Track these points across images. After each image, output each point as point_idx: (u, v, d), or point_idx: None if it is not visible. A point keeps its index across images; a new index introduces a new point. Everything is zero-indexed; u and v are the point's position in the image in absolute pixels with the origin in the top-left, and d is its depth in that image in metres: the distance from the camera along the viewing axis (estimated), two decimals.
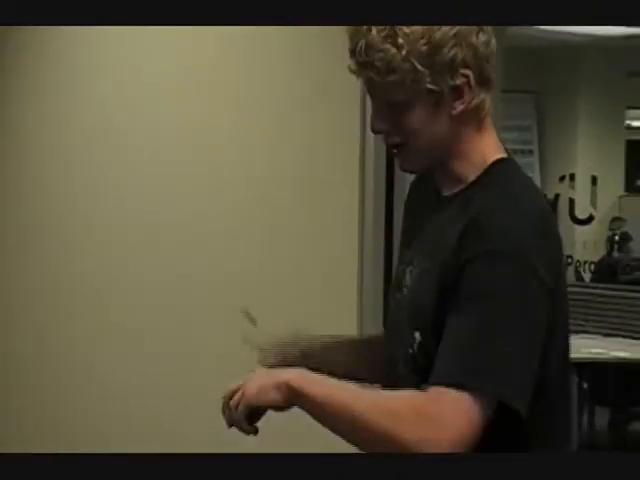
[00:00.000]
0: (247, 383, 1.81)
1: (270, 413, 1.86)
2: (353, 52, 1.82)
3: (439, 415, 1.69)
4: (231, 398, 1.83)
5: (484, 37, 1.83)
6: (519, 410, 1.72)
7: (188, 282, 4.48)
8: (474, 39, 1.80)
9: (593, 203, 11.29)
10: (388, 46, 1.77)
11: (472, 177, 1.88)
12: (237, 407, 1.80)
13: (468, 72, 1.81)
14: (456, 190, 1.90)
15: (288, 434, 3.11)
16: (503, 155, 1.92)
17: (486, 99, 1.87)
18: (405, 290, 1.93)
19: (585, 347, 7.12)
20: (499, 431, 1.74)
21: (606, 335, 7.71)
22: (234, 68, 4.39)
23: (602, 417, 7.87)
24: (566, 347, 1.91)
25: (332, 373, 1.87)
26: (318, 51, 3.93)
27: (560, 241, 1.88)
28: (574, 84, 11.29)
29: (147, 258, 4.68)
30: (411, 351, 1.85)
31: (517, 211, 1.80)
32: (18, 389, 5.40)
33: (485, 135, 1.90)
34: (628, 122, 13.43)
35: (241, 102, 4.31)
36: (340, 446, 1.83)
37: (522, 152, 11.41)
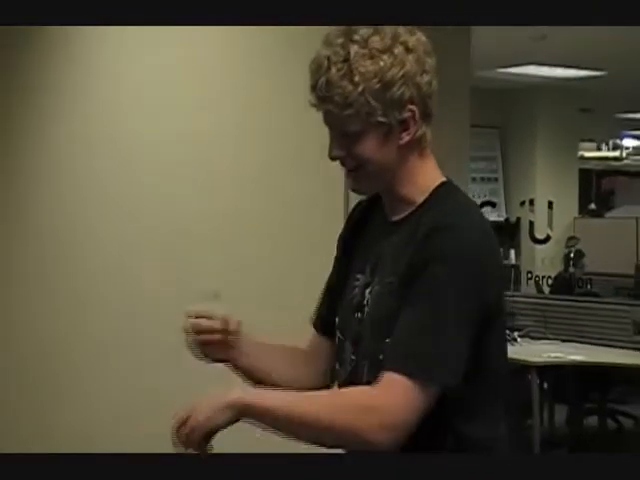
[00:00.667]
0: (195, 410, 1.74)
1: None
2: (314, 87, 1.85)
3: (382, 402, 1.72)
4: (180, 426, 1.76)
5: (427, 77, 1.86)
6: (449, 387, 1.75)
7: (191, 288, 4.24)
8: (419, 79, 1.84)
9: (550, 225, 11.32)
10: (346, 83, 1.81)
11: (419, 200, 1.91)
12: (192, 434, 1.74)
13: (414, 107, 1.85)
14: (405, 214, 1.92)
15: None
16: (444, 179, 1.94)
17: (427, 131, 1.90)
18: (366, 309, 1.93)
19: (545, 351, 7.14)
20: (439, 407, 1.77)
21: (564, 341, 7.71)
22: (237, 71, 4.16)
23: (561, 413, 7.87)
24: (504, 340, 1.96)
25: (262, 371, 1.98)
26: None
27: (497, 247, 1.92)
28: (533, 120, 11.33)
29: (147, 261, 4.53)
30: (381, 357, 1.84)
31: (463, 222, 1.83)
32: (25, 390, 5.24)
33: (427, 162, 1.93)
34: (581, 153, 13.50)
35: (245, 111, 4.11)
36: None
37: (489, 179, 11.45)
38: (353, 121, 1.84)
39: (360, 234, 2.04)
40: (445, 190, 1.92)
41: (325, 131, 1.90)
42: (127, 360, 4.61)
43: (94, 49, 4.83)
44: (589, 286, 9.96)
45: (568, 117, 11.42)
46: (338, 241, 2.12)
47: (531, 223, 11.28)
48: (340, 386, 1.97)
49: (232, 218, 4.12)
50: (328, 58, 1.82)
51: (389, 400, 1.73)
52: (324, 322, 2.10)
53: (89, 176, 4.86)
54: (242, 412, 1.74)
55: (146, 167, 4.49)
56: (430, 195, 1.91)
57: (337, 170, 1.96)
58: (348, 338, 1.98)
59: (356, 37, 1.82)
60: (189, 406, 1.77)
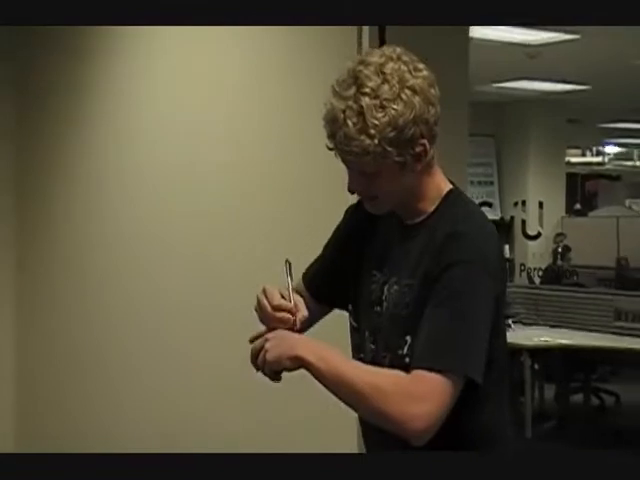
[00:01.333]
0: (268, 348, 1.80)
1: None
2: (332, 137, 1.82)
3: (420, 394, 1.70)
4: (257, 349, 1.83)
5: (433, 110, 1.82)
6: (478, 382, 1.75)
7: (210, 286, 4.06)
8: (427, 115, 1.80)
9: (540, 223, 11.30)
10: (363, 137, 1.77)
11: (431, 208, 1.89)
12: (264, 367, 1.81)
13: (424, 141, 1.82)
14: (420, 219, 1.90)
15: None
16: (450, 186, 1.93)
17: (434, 151, 1.87)
18: (385, 304, 1.91)
19: (536, 336, 7.14)
20: (461, 397, 1.76)
21: (552, 326, 7.71)
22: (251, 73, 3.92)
23: (550, 391, 7.86)
24: (505, 330, 1.97)
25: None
26: (322, 58, 3.54)
27: (501, 246, 1.94)
28: (525, 129, 11.29)
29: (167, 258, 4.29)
30: (400, 352, 1.83)
31: (473, 229, 1.83)
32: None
33: (435, 175, 1.91)
34: (568, 159, 13.46)
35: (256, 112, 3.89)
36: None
37: (485, 183, 11.41)
38: (370, 164, 1.81)
39: (373, 230, 2.00)
40: (453, 197, 1.91)
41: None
42: (157, 368, 4.36)
43: (126, 47, 4.58)
44: (575, 277, 9.93)
45: (556, 127, 11.39)
46: (349, 216, 2.07)
47: (523, 221, 11.25)
48: None
49: (258, 219, 3.91)
50: (343, 112, 1.78)
51: (426, 395, 1.71)
52: (317, 288, 2.07)
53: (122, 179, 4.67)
54: (302, 366, 1.77)
55: (177, 169, 4.28)
56: (440, 203, 1.89)
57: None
58: (367, 328, 1.96)
59: (366, 89, 1.77)
60: (264, 335, 1.83)
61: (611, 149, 17.19)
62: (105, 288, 4.74)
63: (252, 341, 1.87)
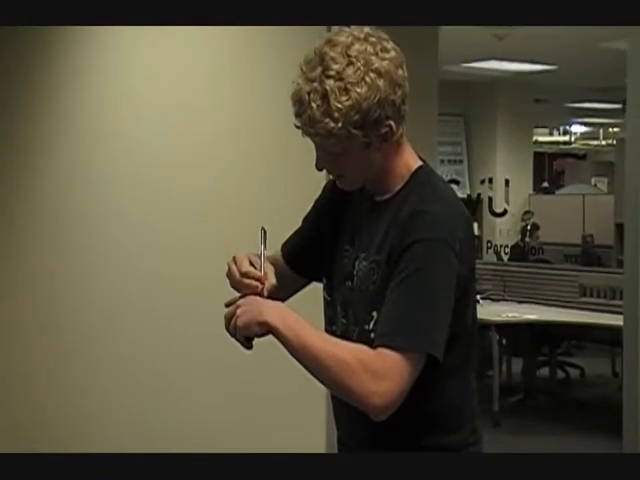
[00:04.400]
0: (239, 313, 1.79)
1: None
2: (299, 117, 1.80)
3: (381, 371, 1.71)
4: (230, 314, 1.82)
5: (400, 91, 1.80)
6: (439, 358, 1.75)
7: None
8: (393, 97, 1.78)
9: (507, 200, 11.35)
10: (327, 120, 1.76)
11: (400, 184, 1.88)
12: (236, 332, 1.80)
13: (390, 122, 1.80)
14: (388, 196, 1.89)
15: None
16: (420, 163, 1.91)
17: (403, 129, 1.85)
18: (356, 279, 1.90)
19: (503, 311, 7.18)
20: (425, 372, 1.76)
21: (520, 302, 7.76)
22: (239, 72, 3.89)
23: (517, 365, 7.92)
24: (475, 306, 1.96)
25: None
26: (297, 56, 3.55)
27: (470, 224, 1.90)
28: (493, 109, 11.32)
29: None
30: (367, 327, 1.83)
31: (439, 206, 1.81)
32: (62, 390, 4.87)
33: (404, 152, 1.89)
34: (535, 138, 13.53)
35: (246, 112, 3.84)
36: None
37: (454, 162, 11.45)
38: (336, 145, 1.80)
39: (348, 205, 1.99)
40: (422, 174, 1.88)
41: None
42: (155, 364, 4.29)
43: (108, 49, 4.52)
44: (541, 254, 10.00)
45: (524, 106, 11.43)
46: (327, 191, 2.06)
47: (490, 199, 11.30)
48: None
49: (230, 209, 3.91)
50: (309, 94, 1.76)
51: (387, 372, 1.71)
52: (295, 259, 2.07)
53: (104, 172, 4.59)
54: (270, 332, 1.76)
55: (156, 165, 4.23)
56: (409, 180, 1.87)
57: None
58: (338, 302, 1.96)
59: (331, 72, 1.75)
60: (237, 301, 1.82)
61: (577, 128, 17.29)
62: (90, 282, 4.67)
63: (227, 306, 1.86)
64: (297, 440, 3.42)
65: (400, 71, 1.81)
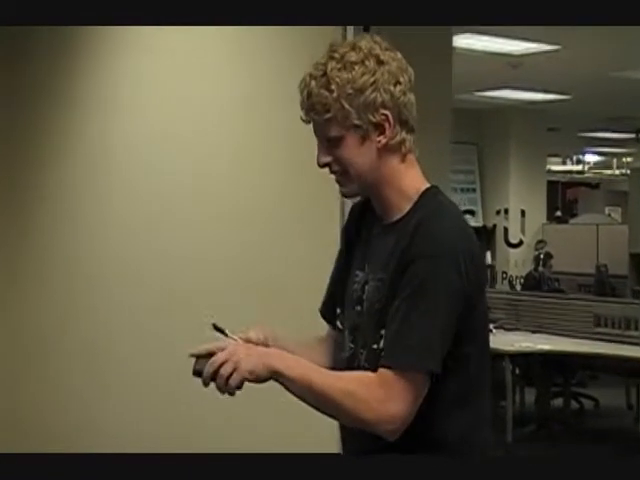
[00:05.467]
0: (239, 358, 1.74)
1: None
2: (302, 102, 1.87)
3: (388, 395, 1.73)
4: (205, 356, 1.75)
5: (400, 87, 1.85)
6: (437, 372, 1.75)
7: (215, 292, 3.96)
8: (391, 88, 1.83)
9: (523, 231, 11.32)
10: (323, 91, 1.82)
11: (408, 207, 1.88)
12: (229, 377, 1.73)
13: (387, 112, 1.83)
14: (396, 218, 1.89)
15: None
16: (428, 185, 1.91)
17: (407, 139, 1.87)
18: (365, 303, 1.91)
19: (517, 341, 7.15)
20: (431, 399, 1.77)
21: (533, 332, 7.72)
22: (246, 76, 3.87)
23: (530, 395, 7.87)
24: (487, 330, 1.94)
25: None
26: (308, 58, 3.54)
27: (476, 246, 1.87)
28: (506, 138, 11.32)
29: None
30: (375, 346, 1.83)
31: (443, 224, 1.82)
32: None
33: (410, 169, 1.90)
34: (549, 167, 13.51)
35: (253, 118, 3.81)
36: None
37: (467, 190, 11.43)
38: (332, 125, 1.84)
39: (360, 232, 2.00)
40: (430, 196, 1.89)
41: None
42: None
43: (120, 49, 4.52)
44: (556, 284, 9.96)
45: (537, 135, 11.43)
46: (341, 234, 2.09)
47: (505, 230, 11.27)
48: (341, 370, 1.93)
49: (230, 215, 3.89)
50: (310, 74, 1.85)
51: (393, 396, 1.73)
52: (329, 312, 2.07)
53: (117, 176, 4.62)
54: (274, 376, 1.75)
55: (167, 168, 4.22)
56: (417, 201, 1.87)
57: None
58: (347, 327, 1.96)
59: (335, 55, 1.84)
60: (224, 348, 1.76)
61: (591, 157, 17.27)
62: (94, 285, 4.69)
63: (196, 356, 1.78)
64: (309, 441, 3.38)
65: (403, 74, 1.86)
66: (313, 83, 1.84)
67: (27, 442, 4.85)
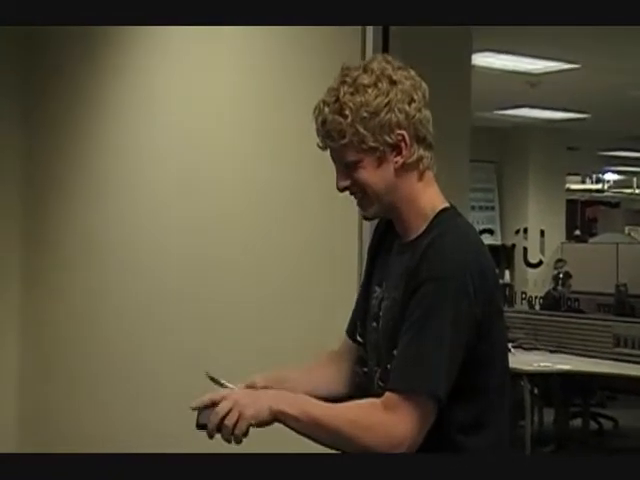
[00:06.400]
0: (240, 405, 1.75)
1: None
2: (318, 130, 1.87)
3: (394, 421, 1.72)
4: (208, 406, 1.77)
5: (415, 105, 1.84)
6: (442, 399, 1.73)
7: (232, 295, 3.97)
8: (406, 107, 1.83)
9: (542, 251, 11.27)
10: (337, 117, 1.82)
11: (424, 226, 1.87)
12: (236, 425, 1.74)
13: (402, 132, 1.83)
14: (413, 237, 1.88)
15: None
16: (446, 205, 1.91)
17: (425, 156, 1.87)
18: (381, 320, 1.91)
19: (535, 361, 7.10)
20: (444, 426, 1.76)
21: (552, 351, 7.67)
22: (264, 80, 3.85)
23: (549, 415, 7.82)
24: (506, 355, 1.91)
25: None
26: (327, 58, 3.46)
27: (489, 267, 1.85)
28: (525, 156, 11.30)
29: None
30: (389, 366, 1.82)
31: (454, 245, 1.80)
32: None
33: (428, 188, 1.89)
34: (568, 185, 13.47)
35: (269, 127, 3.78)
36: None
37: (486, 208, 11.42)
38: (349, 150, 1.84)
39: (381, 249, 2.01)
40: (446, 216, 1.88)
41: None
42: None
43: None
44: (575, 303, 9.90)
45: (556, 154, 11.40)
46: (367, 253, 2.09)
47: (525, 249, 11.23)
48: (361, 388, 1.97)
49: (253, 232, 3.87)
50: (323, 101, 1.85)
51: (399, 421, 1.72)
52: (352, 330, 2.07)
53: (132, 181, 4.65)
54: (277, 417, 1.76)
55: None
56: (432, 221, 1.87)
57: None
58: (369, 345, 1.96)
59: (347, 79, 1.84)
60: (225, 397, 1.77)
61: (610, 176, 17.21)
62: (113, 288, 4.72)
63: (199, 409, 1.79)
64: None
65: (417, 92, 1.86)
66: (327, 110, 1.84)
67: (63, 444, 4.86)
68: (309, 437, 1.76)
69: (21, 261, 5.38)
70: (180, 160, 4.26)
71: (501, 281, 10.51)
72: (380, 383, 1.85)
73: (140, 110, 4.55)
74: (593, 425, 8.05)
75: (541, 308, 9.98)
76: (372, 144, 1.82)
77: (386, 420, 1.72)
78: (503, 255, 10.89)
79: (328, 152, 1.90)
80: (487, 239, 10.55)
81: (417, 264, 1.79)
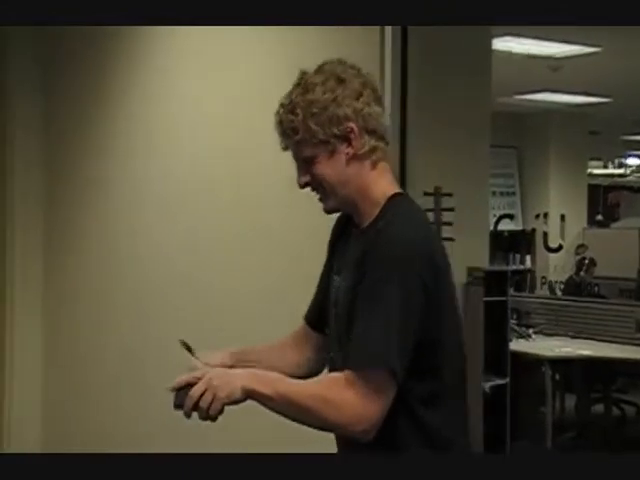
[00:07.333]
0: (214, 386, 1.84)
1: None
2: (277, 131, 2.01)
3: (357, 397, 1.81)
4: (182, 389, 1.86)
5: (362, 99, 1.95)
6: (397, 372, 1.81)
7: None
8: (354, 102, 1.95)
9: (562, 236, 11.24)
10: (290, 116, 1.96)
11: (376, 212, 1.97)
12: (211, 405, 1.83)
13: (351, 124, 1.94)
14: (366, 224, 1.99)
15: None
16: (396, 191, 2.01)
17: (377, 147, 1.98)
18: (339, 307, 2.01)
19: (557, 347, 7.10)
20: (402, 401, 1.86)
21: (573, 337, 7.66)
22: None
23: (570, 401, 7.81)
24: (457, 335, 1.99)
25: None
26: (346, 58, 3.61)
27: (433, 249, 1.93)
28: (547, 141, 11.27)
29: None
30: (347, 350, 1.91)
31: (405, 227, 1.90)
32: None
33: (381, 177, 2.00)
34: (590, 170, 13.41)
35: None
36: None
37: (507, 194, 11.40)
38: (304, 146, 1.96)
39: (341, 240, 2.12)
40: (396, 201, 1.98)
41: None
42: None
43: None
44: (596, 289, 9.87)
45: (578, 138, 11.35)
46: (327, 246, 2.20)
47: (545, 234, 11.19)
48: (330, 371, 2.08)
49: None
50: (280, 104, 2.00)
51: (359, 398, 1.81)
52: (312, 318, 2.21)
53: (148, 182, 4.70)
54: (250, 395, 1.85)
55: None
56: (384, 206, 1.97)
57: None
58: (332, 332, 2.08)
59: (300, 81, 1.99)
60: (199, 378, 1.86)
61: (633, 161, 17.11)
62: (138, 290, 4.75)
63: (176, 389, 1.88)
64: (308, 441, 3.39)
65: (366, 89, 1.98)
66: (282, 111, 1.98)
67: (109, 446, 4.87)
68: (281, 414, 1.85)
69: (44, 243, 5.47)
70: (195, 155, 4.30)
71: (522, 266, 10.49)
72: (342, 367, 1.92)
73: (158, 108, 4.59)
74: (615, 411, 8.04)
75: (563, 293, 9.96)
76: (323, 137, 1.94)
77: (352, 397, 1.80)
78: (523, 240, 10.86)
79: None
80: (507, 224, 10.52)
81: (368, 249, 1.89)
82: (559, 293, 10.21)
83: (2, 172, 5.41)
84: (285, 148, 2.01)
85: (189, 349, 2.05)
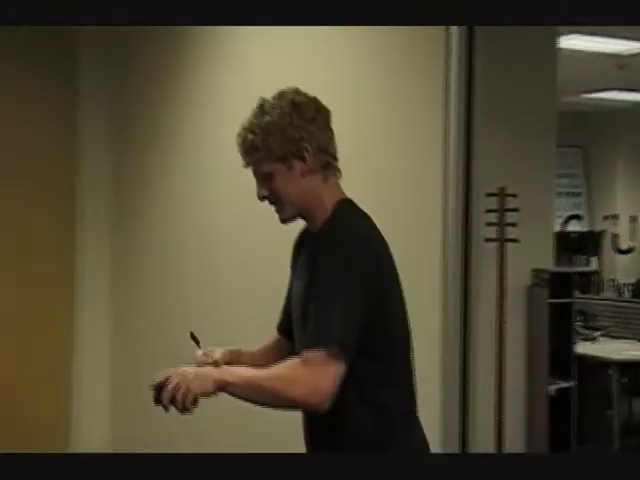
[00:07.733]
0: (187, 380, 2.07)
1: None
2: (240, 151, 2.29)
3: (312, 372, 2.05)
4: (160, 388, 2.09)
5: (315, 122, 2.25)
6: (345, 350, 2.07)
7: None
8: (308, 126, 2.24)
9: (632, 237, 11.08)
10: (251, 136, 2.25)
11: (325, 216, 2.25)
12: (185, 398, 2.06)
13: (306, 144, 2.23)
14: (319, 226, 2.26)
15: None
16: (341, 197, 2.29)
17: (330, 163, 2.28)
18: (299, 309, 2.28)
19: (624, 349, 7.00)
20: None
21: None
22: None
23: (638, 405, 7.71)
24: (402, 323, 2.27)
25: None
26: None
27: (383, 245, 2.23)
28: (614, 141, 11.11)
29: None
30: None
31: (347, 226, 2.19)
32: None
33: (331, 189, 2.29)
34: None
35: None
36: None
37: (573, 194, 11.26)
38: (262, 163, 2.25)
39: (299, 252, 2.40)
40: (340, 205, 2.26)
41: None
42: None
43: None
44: None
45: None
46: (290, 262, 2.46)
47: (615, 236, 11.05)
48: None
49: None
50: (243, 127, 2.28)
51: (313, 373, 2.04)
52: (282, 324, 2.50)
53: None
54: (221, 386, 2.09)
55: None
56: (332, 210, 2.24)
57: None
58: (295, 334, 2.33)
59: (261, 105, 2.28)
60: (174, 374, 2.09)
61: None
62: (204, 289, 4.86)
63: (154, 386, 2.12)
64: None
65: (319, 113, 2.27)
66: (243, 132, 2.27)
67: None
68: (248, 400, 2.09)
69: (113, 229, 5.66)
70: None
71: (587, 268, 10.35)
72: None
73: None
74: None
75: (632, 296, 9.81)
76: (280, 155, 2.22)
77: (306, 373, 2.04)
78: (591, 242, 10.72)
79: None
80: (575, 225, 10.40)
81: (316, 248, 2.17)
82: (628, 296, 10.06)
83: (72, 164, 5.49)
84: (246, 165, 2.28)
85: (197, 342, 2.36)
